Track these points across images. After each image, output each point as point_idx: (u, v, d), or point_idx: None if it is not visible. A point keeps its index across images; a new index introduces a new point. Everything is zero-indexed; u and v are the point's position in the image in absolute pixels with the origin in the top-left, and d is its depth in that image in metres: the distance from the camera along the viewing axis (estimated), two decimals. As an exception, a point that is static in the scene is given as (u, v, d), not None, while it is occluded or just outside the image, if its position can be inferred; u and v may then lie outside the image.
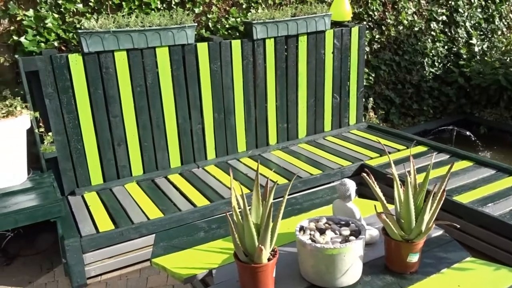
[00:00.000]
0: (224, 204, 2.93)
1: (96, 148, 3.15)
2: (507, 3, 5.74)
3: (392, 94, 4.97)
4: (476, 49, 5.37)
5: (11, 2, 2.92)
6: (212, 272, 1.86)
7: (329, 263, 1.66)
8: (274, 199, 1.69)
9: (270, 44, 3.65)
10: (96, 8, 3.21)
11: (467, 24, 5.43)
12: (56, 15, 3.06)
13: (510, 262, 2.47)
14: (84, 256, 2.56)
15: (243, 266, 1.64)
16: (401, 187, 1.77)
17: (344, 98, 4.20)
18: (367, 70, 4.70)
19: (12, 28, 2.98)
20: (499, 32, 5.77)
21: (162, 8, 3.43)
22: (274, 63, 3.72)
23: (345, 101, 4.21)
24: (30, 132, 2.87)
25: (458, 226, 1.87)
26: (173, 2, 3.47)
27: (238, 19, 3.78)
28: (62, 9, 3.08)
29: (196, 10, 3.58)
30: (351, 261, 1.67)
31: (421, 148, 3.72)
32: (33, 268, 2.83)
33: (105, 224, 2.69)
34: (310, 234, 1.76)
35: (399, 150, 3.69)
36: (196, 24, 3.30)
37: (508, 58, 5.06)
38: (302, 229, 1.81)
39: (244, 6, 3.83)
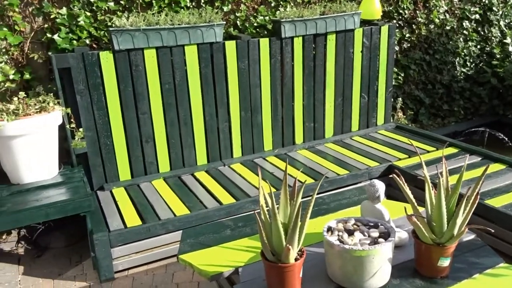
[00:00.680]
0: (249, 202, 2.93)
1: (124, 144, 3.20)
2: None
3: (421, 94, 4.87)
4: (510, 48, 5.20)
5: (45, 0, 2.99)
6: (238, 270, 1.86)
7: (358, 265, 1.63)
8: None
9: (298, 43, 3.63)
10: (127, 6, 3.26)
11: (501, 23, 5.27)
12: (88, 13, 3.12)
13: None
14: (112, 251, 2.61)
15: (270, 265, 1.63)
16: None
17: (372, 98, 4.13)
18: (396, 70, 4.62)
19: (46, 26, 3.05)
20: (535, 31, 5.58)
21: (191, 6, 3.46)
22: (302, 62, 3.69)
23: (373, 100, 4.15)
24: (61, 127, 2.93)
25: (493, 231, 1.81)
26: (202, 1, 3.49)
27: (267, 18, 3.77)
28: (94, 7, 3.14)
29: (225, 9, 3.59)
30: (380, 263, 1.65)
31: (451, 150, 3.63)
32: (62, 261, 2.89)
33: (132, 219, 2.73)
34: (338, 235, 1.74)
35: (428, 152, 3.61)
36: (224, 22, 3.31)
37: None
38: (330, 229, 1.79)
39: (272, 5, 3.82)
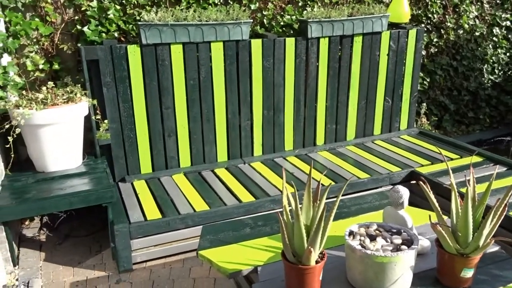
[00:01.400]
0: (269, 201, 2.93)
1: (147, 137, 3.23)
2: None
3: (447, 100, 4.79)
4: (541, 57, 5.08)
5: (77, -8, 3.04)
6: (258, 269, 1.86)
7: (379, 271, 1.62)
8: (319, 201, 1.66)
9: (324, 44, 3.60)
10: (155, 1, 3.28)
11: (533, 30, 5.15)
12: (118, 7, 3.16)
13: None
14: (132, 242, 2.64)
15: (290, 266, 1.63)
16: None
17: (396, 102, 4.09)
18: (422, 74, 4.56)
19: (76, 17, 3.10)
20: None
21: (219, 3, 3.47)
22: (327, 63, 3.67)
23: (397, 105, 4.10)
24: (87, 118, 2.98)
25: (518, 244, 1.77)
26: (230, -2, 3.50)
27: (293, 17, 3.76)
28: (123, 1, 3.17)
29: (252, 7, 3.58)
30: (402, 270, 1.63)
31: (476, 158, 3.56)
32: (82, 250, 2.94)
33: (153, 212, 2.76)
34: (360, 240, 1.73)
35: (452, 159, 3.55)
36: (251, 20, 3.31)
37: None
38: (351, 233, 1.78)
39: (300, 4, 3.80)
